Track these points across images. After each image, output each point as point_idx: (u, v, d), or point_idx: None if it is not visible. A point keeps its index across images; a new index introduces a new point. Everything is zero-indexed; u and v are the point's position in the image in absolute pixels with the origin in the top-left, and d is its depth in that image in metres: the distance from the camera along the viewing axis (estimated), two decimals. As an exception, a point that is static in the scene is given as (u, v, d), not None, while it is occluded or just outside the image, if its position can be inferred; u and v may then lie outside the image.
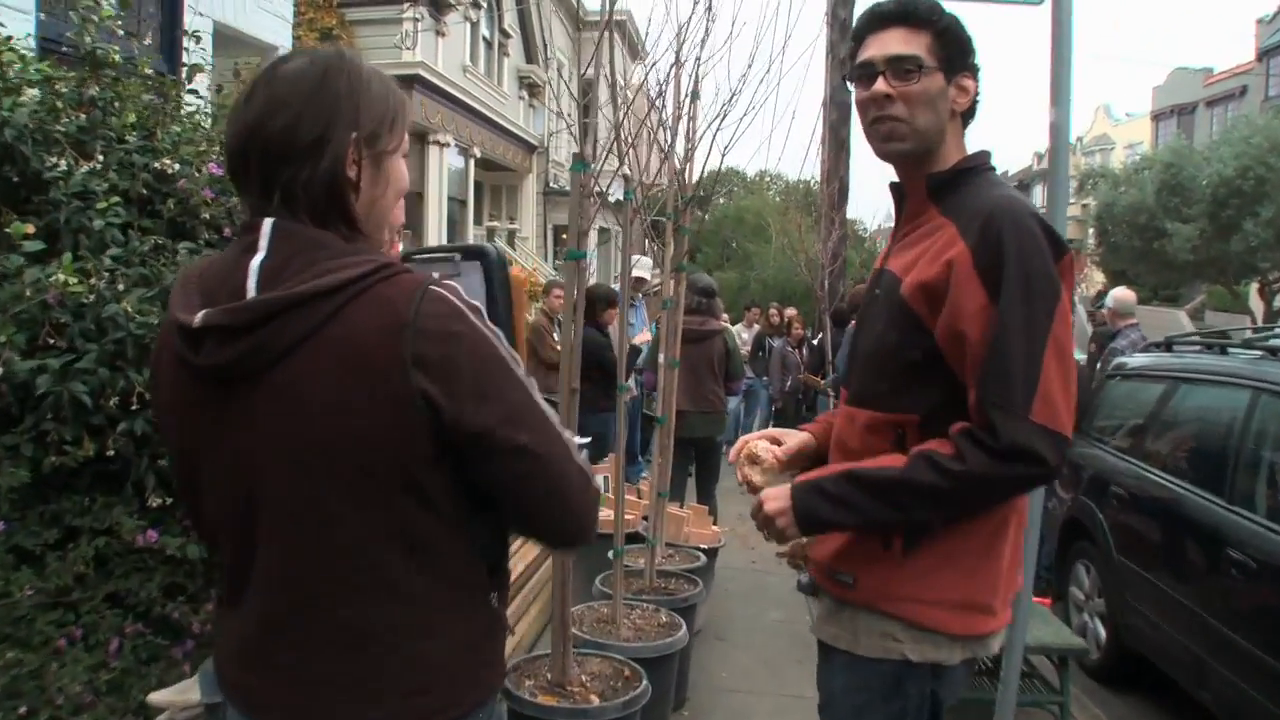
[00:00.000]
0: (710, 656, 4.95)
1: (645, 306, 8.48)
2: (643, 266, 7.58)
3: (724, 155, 4.47)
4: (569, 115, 3.04)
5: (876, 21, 1.78)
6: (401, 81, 13.83)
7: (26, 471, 2.41)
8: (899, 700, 1.75)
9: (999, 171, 1.86)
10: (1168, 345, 5.51)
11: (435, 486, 1.22)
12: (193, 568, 2.68)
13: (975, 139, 1.84)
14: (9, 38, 2.88)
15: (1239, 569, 3.69)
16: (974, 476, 1.57)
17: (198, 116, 3.16)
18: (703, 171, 4.58)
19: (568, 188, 2.98)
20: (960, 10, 1.78)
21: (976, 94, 1.80)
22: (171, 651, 2.71)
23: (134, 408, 2.48)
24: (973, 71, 1.78)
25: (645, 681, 3.15)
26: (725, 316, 11.05)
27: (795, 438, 2.04)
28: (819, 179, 11.55)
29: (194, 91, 3.35)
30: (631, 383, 7.43)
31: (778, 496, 1.76)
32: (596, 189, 3.17)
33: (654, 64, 3.77)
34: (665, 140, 4.14)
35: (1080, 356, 6.61)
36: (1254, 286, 23.41)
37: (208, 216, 2.87)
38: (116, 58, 2.86)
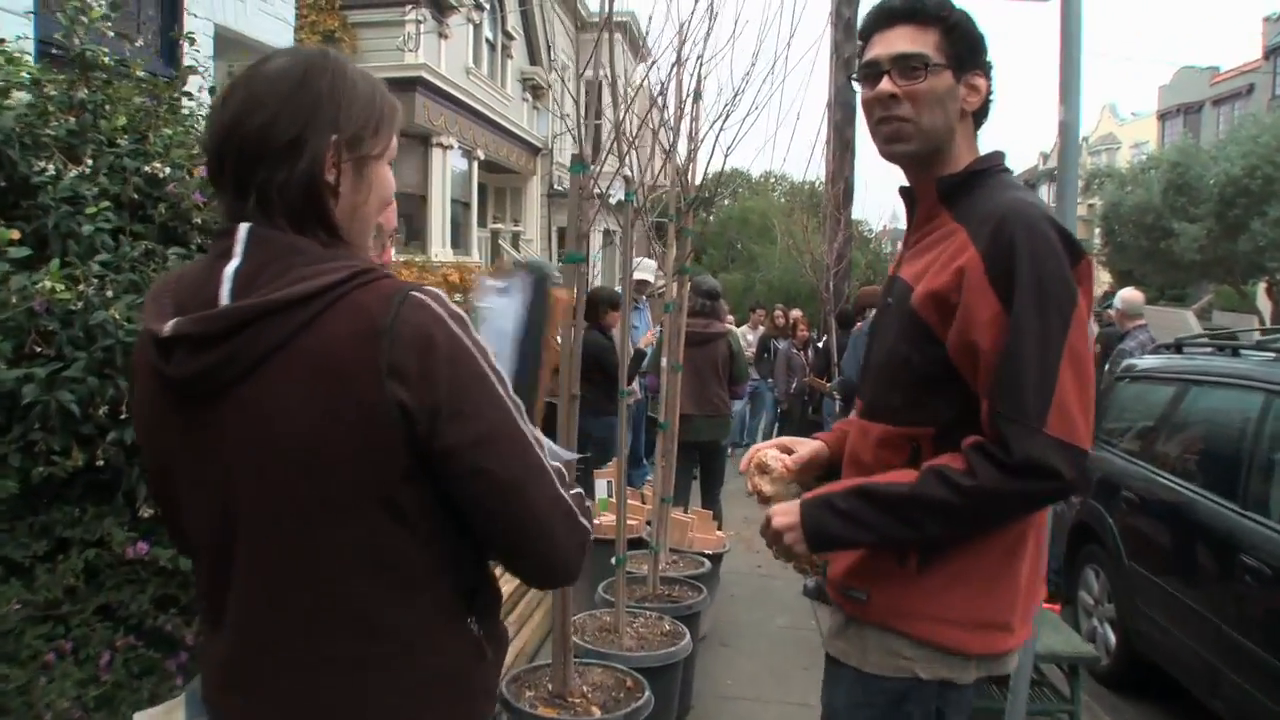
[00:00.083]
0: (715, 663, 4.89)
1: (649, 309, 8.42)
2: (645, 269, 7.52)
3: (727, 155, 4.41)
4: (568, 116, 2.98)
5: (883, 19, 1.72)
6: (404, 84, 13.99)
7: (14, 482, 2.36)
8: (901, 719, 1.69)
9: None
10: (1178, 347, 5.44)
11: (411, 504, 1.16)
12: (185, 579, 2.63)
13: (978, 139, 1.78)
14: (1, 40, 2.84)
15: (1253, 575, 3.63)
16: (986, 492, 1.51)
17: (190, 120, 3.11)
18: (705, 172, 4.52)
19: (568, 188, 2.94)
20: (969, 6, 1.73)
21: (989, 93, 1.73)
22: (165, 664, 2.66)
23: (124, 416, 2.43)
24: (985, 70, 1.72)
25: (648, 692, 3.09)
26: (731, 318, 11.01)
27: (807, 446, 1.99)
28: (824, 180, 11.48)
29: (187, 94, 3.31)
30: (635, 386, 7.37)
31: (786, 512, 1.70)
32: (596, 191, 3.11)
33: (654, 63, 3.71)
34: (667, 141, 4.08)
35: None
36: (1261, 286, 23.30)
37: (200, 221, 2.83)
38: (106, 60, 2.81)
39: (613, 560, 3.85)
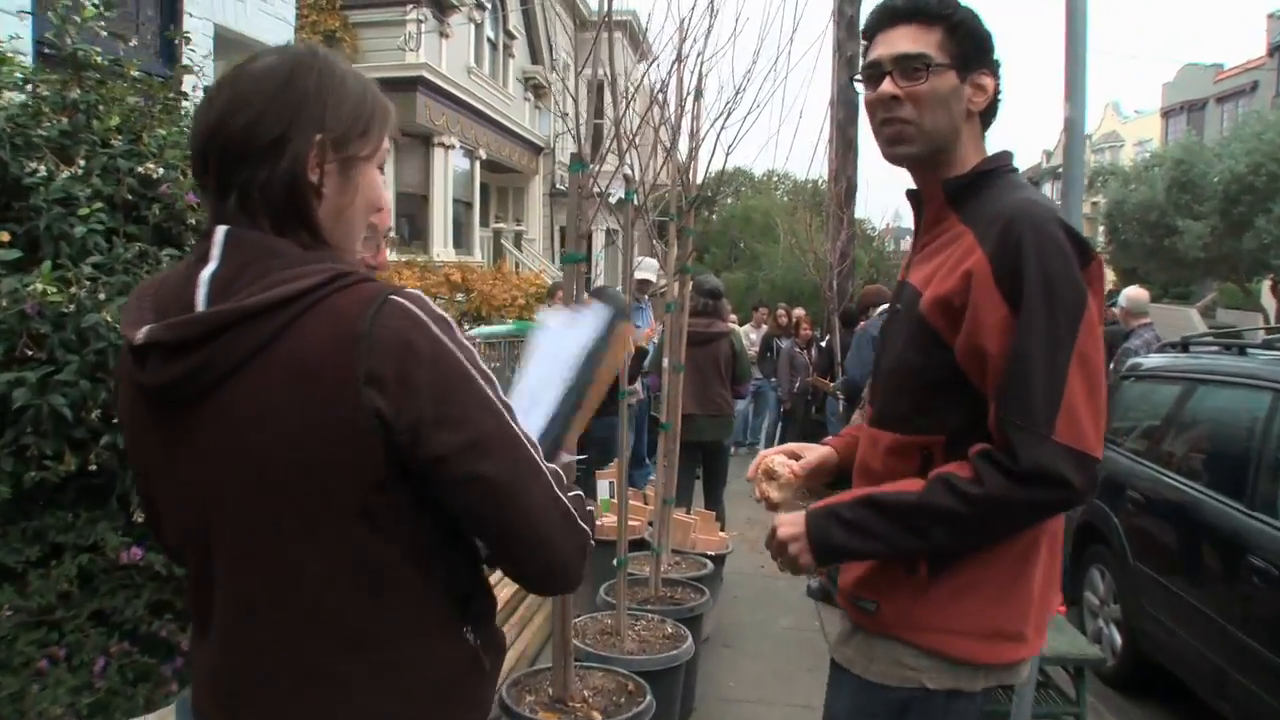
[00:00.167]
0: (718, 665, 4.86)
1: (652, 308, 8.39)
2: (647, 268, 7.48)
3: (728, 154, 4.37)
4: (568, 115, 2.95)
5: (885, 18, 1.68)
6: (405, 83, 13.99)
7: (6, 487, 2.34)
8: None
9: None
10: (1184, 346, 5.39)
11: (391, 514, 1.13)
12: (180, 584, 2.59)
13: (985, 139, 1.74)
14: (-8, 40, 2.82)
15: (1260, 576, 3.59)
16: (992, 500, 1.47)
17: (185, 120, 3.08)
18: (706, 171, 4.49)
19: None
20: (975, 3, 1.68)
21: (997, 92, 1.69)
22: (161, 670, 2.64)
23: (116, 420, 2.40)
24: (992, 69, 1.67)
25: (649, 697, 3.06)
26: (734, 318, 10.97)
27: (815, 452, 1.95)
28: (826, 178, 11.45)
29: (183, 94, 3.28)
30: (638, 385, 7.34)
31: (792, 523, 1.67)
32: (596, 189, 3.08)
33: (654, 60, 3.68)
34: (667, 139, 4.05)
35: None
36: (1266, 284, 23.19)
37: (194, 222, 2.80)
38: (99, 59, 2.79)
39: (614, 562, 3.82)
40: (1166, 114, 36.06)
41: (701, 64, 3.97)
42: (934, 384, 1.60)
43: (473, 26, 17.09)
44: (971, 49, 1.64)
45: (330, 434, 1.07)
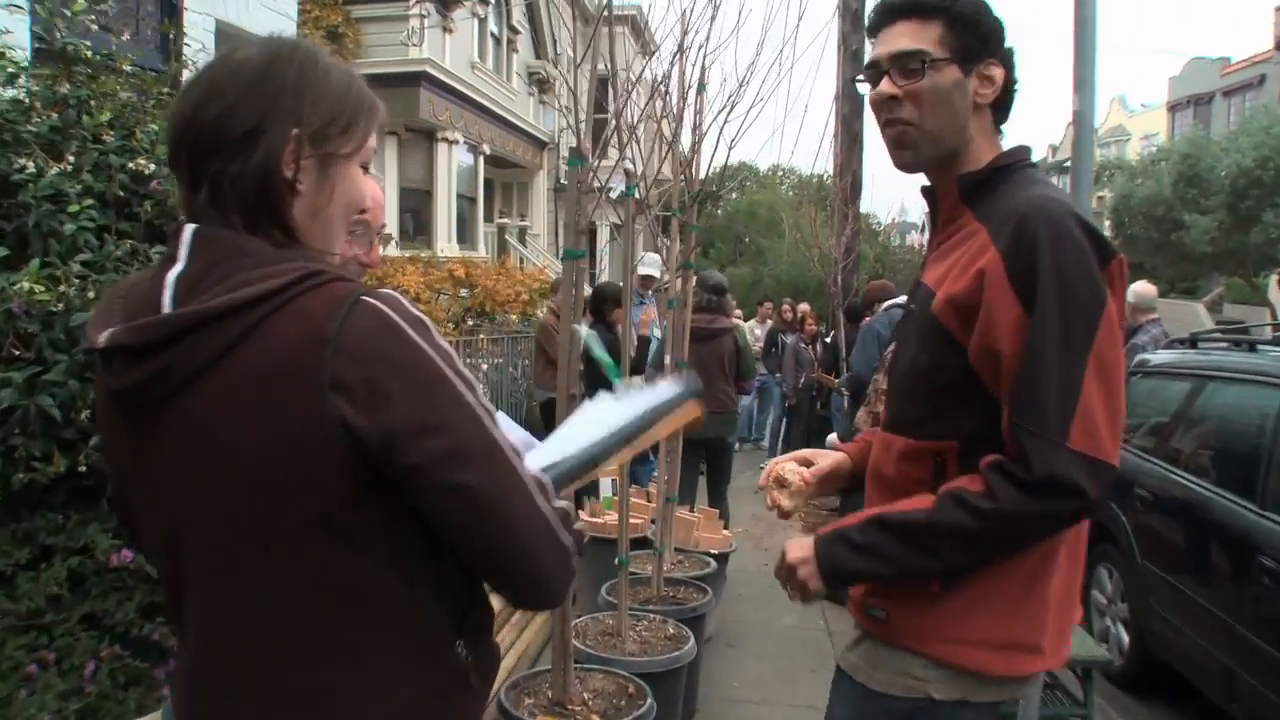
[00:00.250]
0: (721, 665, 4.82)
1: (655, 304, 8.34)
2: (649, 263, 7.43)
3: (731, 148, 4.31)
4: (568, 110, 2.90)
5: (886, 15, 1.64)
6: (408, 78, 13.94)
7: (-6, 489, 2.30)
8: None
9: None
10: (1193, 342, 5.34)
11: (365, 529, 1.08)
12: (173, 587, 2.56)
13: (1002, 133, 1.68)
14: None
15: (1271, 577, 3.53)
16: (1006, 515, 1.42)
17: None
18: (709, 166, 4.43)
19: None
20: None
21: (1010, 83, 1.63)
22: (154, 673, 2.60)
23: (104, 421, 2.36)
24: (1001, 58, 1.61)
25: (650, 700, 3.02)
26: (739, 313, 10.91)
27: (828, 459, 1.90)
28: (832, 173, 11.38)
29: (177, 88, 3.24)
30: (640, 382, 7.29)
31: (801, 546, 1.62)
32: (596, 184, 3.03)
33: (655, 52, 3.63)
34: (670, 132, 4.00)
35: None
36: (1273, 278, 23.09)
37: (187, 219, 2.75)
38: (89, 54, 2.74)
39: (615, 561, 3.77)
40: (1173, 108, 35.87)
41: (704, 57, 3.92)
42: (947, 387, 1.54)
43: (476, 21, 17.03)
44: (975, 40, 1.58)
45: (294, 444, 1.02)
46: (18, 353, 2.30)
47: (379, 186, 2.02)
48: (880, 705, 1.62)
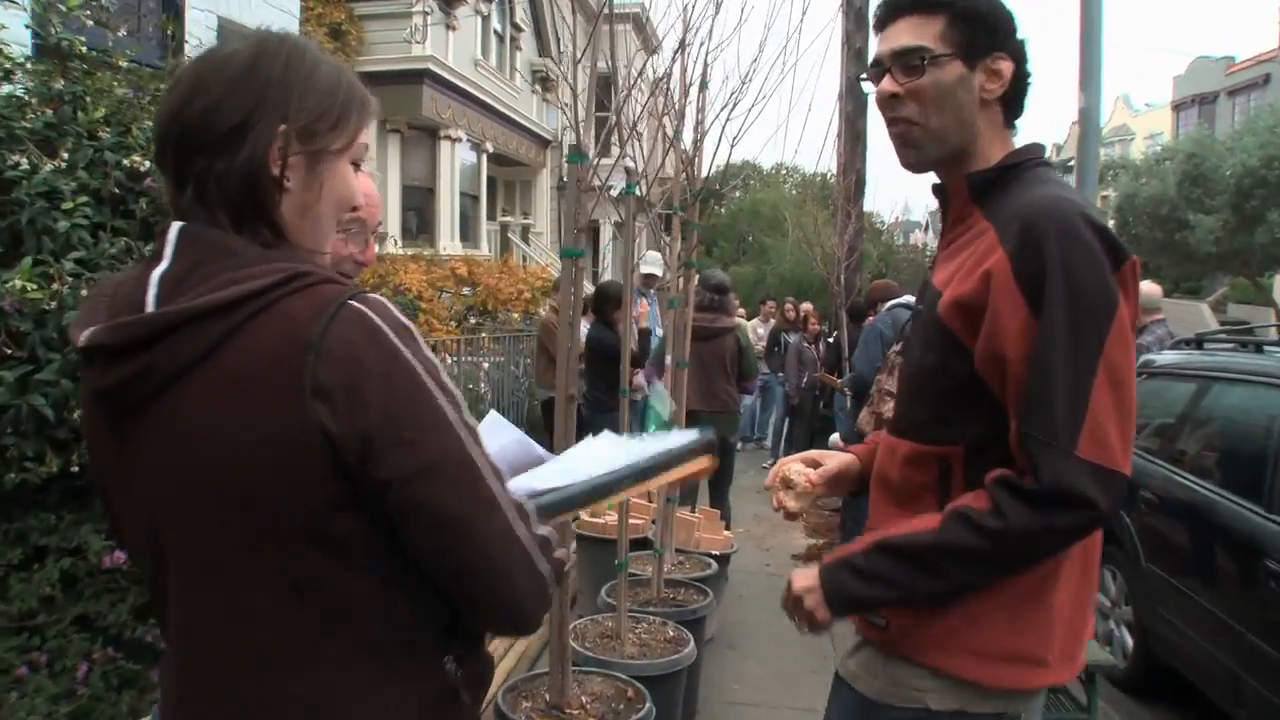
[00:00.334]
0: (721, 667, 4.78)
1: (657, 303, 8.32)
2: (651, 262, 7.40)
3: (733, 146, 4.29)
4: (568, 107, 2.87)
5: (890, 12, 1.59)
6: (411, 76, 13.92)
7: (-14, 489, 2.27)
8: None
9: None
10: (1198, 343, 5.29)
11: (348, 538, 1.04)
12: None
13: (1016, 128, 1.63)
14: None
15: (1277, 580, 3.49)
16: (1015, 533, 1.37)
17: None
18: (711, 164, 4.40)
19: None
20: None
21: (1020, 76, 1.57)
22: (149, 675, 2.57)
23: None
24: (1010, 51, 1.55)
25: (649, 703, 2.98)
26: (741, 312, 10.86)
27: (836, 460, 1.86)
28: (835, 172, 11.35)
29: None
30: (643, 381, 7.27)
31: (806, 576, 1.58)
32: (596, 182, 3.00)
33: (656, 49, 3.59)
34: (671, 129, 3.97)
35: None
36: (1278, 279, 23.04)
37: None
38: (84, 49, 2.71)
39: (615, 563, 3.74)
40: (1177, 107, 35.78)
41: (706, 53, 3.89)
42: (953, 391, 1.50)
43: (479, 18, 17.01)
44: (980, 33, 1.53)
45: (273, 451, 0.99)
46: (10, 351, 2.27)
47: (374, 183, 1.99)
48: (878, 715, 1.59)
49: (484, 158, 17.81)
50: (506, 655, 4.37)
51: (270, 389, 0.99)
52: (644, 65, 3.41)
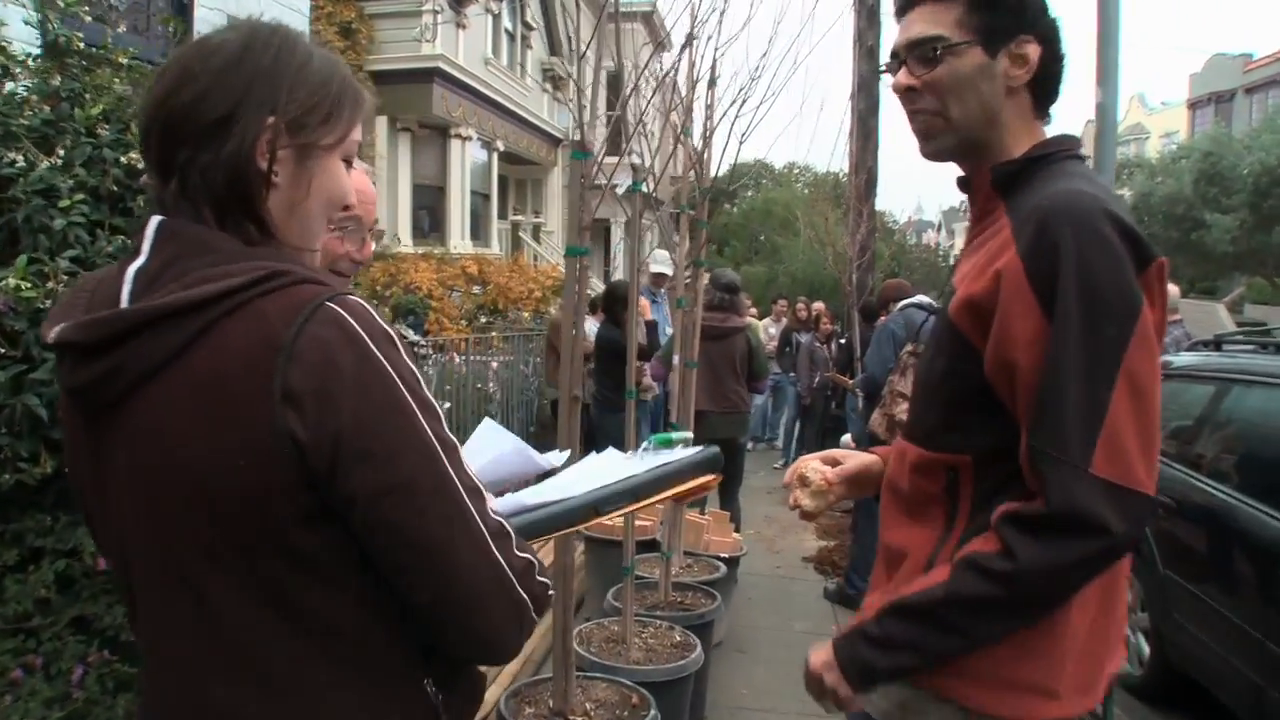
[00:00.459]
0: (731, 672, 4.73)
1: (667, 303, 8.27)
2: (660, 261, 7.35)
3: (742, 143, 4.23)
4: (571, 100, 2.82)
5: (905, 1, 1.51)
6: (422, 74, 13.92)
7: (-20, 490, 2.24)
8: None
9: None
10: (1217, 344, 5.21)
11: (320, 551, 0.99)
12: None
13: (1049, 115, 1.53)
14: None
15: (1299, 588, 3.42)
16: (1027, 573, 1.26)
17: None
18: (720, 163, 4.34)
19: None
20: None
21: (1050, 60, 1.44)
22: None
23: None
24: (1038, 33, 1.43)
25: (653, 710, 2.93)
26: (753, 311, 10.78)
27: (856, 459, 1.76)
28: (847, 171, 11.28)
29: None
30: (653, 382, 7.23)
31: (821, 651, 1.48)
32: (601, 180, 2.95)
33: (661, 42, 3.54)
34: (678, 126, 3.92)
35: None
36: (1296, 278, 22.86)
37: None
38: (81, 45, 2.68)
39: (622, 568, 3.69)
40: (1193, 105, 35.50)
41: (715, 49, 3.84)
42: (962, 397, 1.41)
43: (490, 17, 16.99)
44: (1001, 16, 1.42)
45: (243, 457, 0.95)
46: (4, 351, 2.24)
47: (370, 180, 1.94)
48: None
49: (495, 156, 17.80)
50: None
51: (239, 393, 0.94)
52: (649, 60, 3.35)
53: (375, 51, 13.95)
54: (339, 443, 0.94)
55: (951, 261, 25.22)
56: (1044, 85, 1.46)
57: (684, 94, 3.84)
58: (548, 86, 20.37)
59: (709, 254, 4.53)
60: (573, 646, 2.94)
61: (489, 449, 1.52)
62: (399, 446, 0.97)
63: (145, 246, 1.03)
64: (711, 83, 3.98)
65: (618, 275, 17.04)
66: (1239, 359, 4.78)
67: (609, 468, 1.44)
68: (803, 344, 10.84)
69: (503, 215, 19.44)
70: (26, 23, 2.71)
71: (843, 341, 9.97)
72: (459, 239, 15.91)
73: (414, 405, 0.99)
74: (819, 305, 11.82)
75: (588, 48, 2.76)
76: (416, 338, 8.47)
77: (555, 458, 1.61)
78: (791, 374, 11.11)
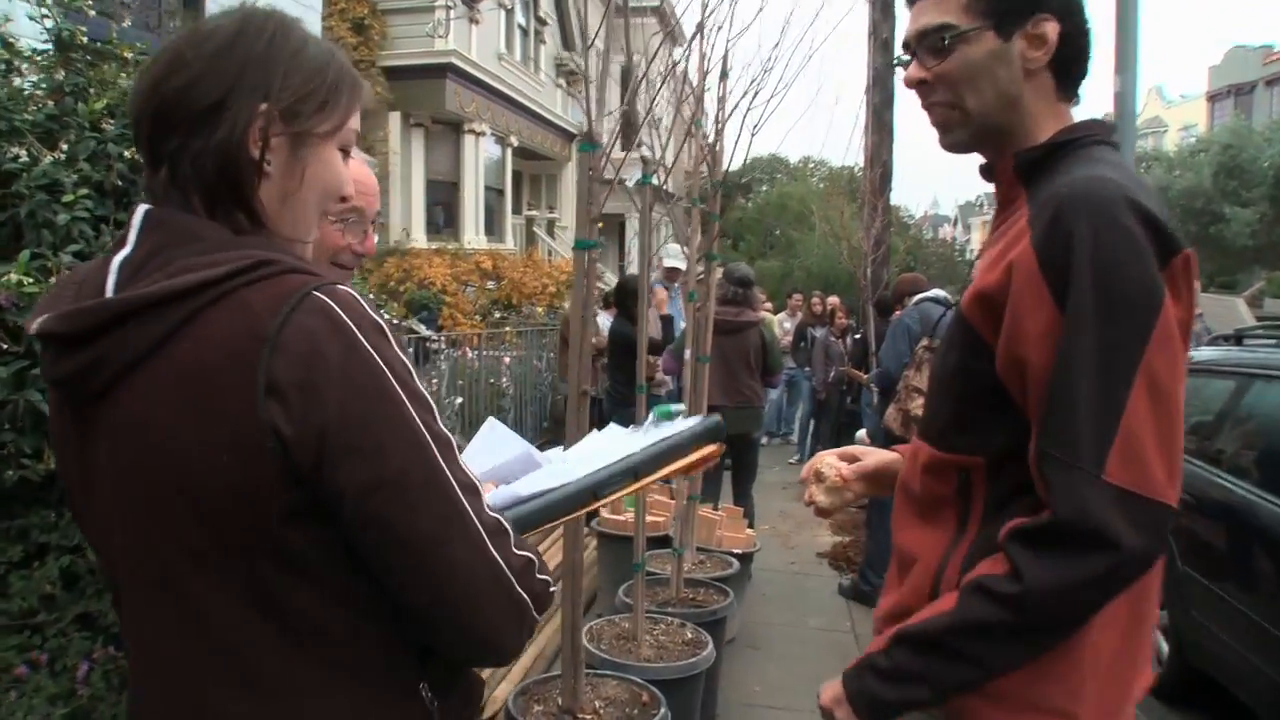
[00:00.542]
0: (744, 669, 4.70)
1: (681, 297, 8.23)
2: (673, 255, 7.31)
3: (754, 136, 4.19)
4: (580, 93, 2.79)
5: None
6: (434, 70, 13.91)
7: (-15, 486, 2.23)
8: None
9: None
10: (1238, 339, 5.14)
11: (308, 550, 0.96)
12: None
13: (1079, 95, 1.43)
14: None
15: (1321, 585, 3.36)
16: (1035, 595, 1.17)
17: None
18: (732, 156, 4.30)
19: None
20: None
21: (1075, 34, 1.34)
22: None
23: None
24: (1056, 9, 1.32)
25: (664, 708, 2.90)
26: (768, 306, 10.71)
27: (875, 456, 1.71)
28: (863, 165, 11.21)
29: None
30: (668, 377, 7.20)
31: (832, 687, 1.41)
32: (609, 173, 2.91)
33: (669, 31, 3.50)
34: (689, 116, 3.88)
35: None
36: (1318, 272, 22.63)
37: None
38: (84, 39, 2.66)
39: (633, 565, 3.66)
40: (1213, 98, 35.17)
41: (726, 40, 3.80)
42: (974, 395, 1.33)
43: (503, 12, 16.97)
44: None
45: (227, 451, 0.92)
46: (6, 346, 2.23)
47: (370, 171, 1.91)
48: None
49: (509, 152, 17.80)
50: (524, 653, 4.30)
51: (222, 385, 0.91)
52: (658, 50, 3.32)
53: (388, 47, 13.95)
54: (325, 436, 0.91)
55: (968, 256, 25.00)
56: (1067, 64, 1.37)
57: (695, 84, 3.80)
58: (561, 82, 20.33)
59: (724, 248, 4.49)
60: (582, 644, 2.91)
61: (493, 453, 1.46)
62: (388, 439, 0.94)
63: (131, 236, 1.00)
64: (723, 74, 3.94)
65: (632, 270, 17.03)
66: (1260, 354, 4.71)
67: (609, 447, 1.40)
68: (818, 339, 10.78)
69: (517, 211, 19.43)
70: (31, 18, 2.69)
71: (858, 336, 9.91)
72: (473, 234, 15.91)
73: (404, 397, 0.95)
74: (834, 300, 11.76)
75: (595, 37, 2.73)
76: (430, 333, 8.47)
77: (555, 455, 1.57)
78: (806, 369, 11.06)
